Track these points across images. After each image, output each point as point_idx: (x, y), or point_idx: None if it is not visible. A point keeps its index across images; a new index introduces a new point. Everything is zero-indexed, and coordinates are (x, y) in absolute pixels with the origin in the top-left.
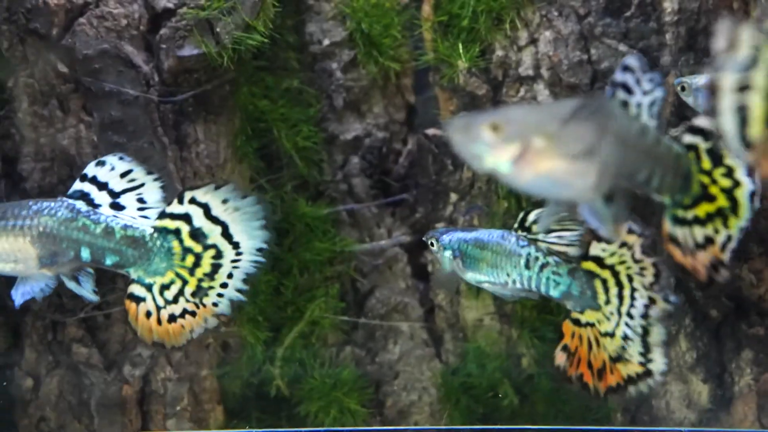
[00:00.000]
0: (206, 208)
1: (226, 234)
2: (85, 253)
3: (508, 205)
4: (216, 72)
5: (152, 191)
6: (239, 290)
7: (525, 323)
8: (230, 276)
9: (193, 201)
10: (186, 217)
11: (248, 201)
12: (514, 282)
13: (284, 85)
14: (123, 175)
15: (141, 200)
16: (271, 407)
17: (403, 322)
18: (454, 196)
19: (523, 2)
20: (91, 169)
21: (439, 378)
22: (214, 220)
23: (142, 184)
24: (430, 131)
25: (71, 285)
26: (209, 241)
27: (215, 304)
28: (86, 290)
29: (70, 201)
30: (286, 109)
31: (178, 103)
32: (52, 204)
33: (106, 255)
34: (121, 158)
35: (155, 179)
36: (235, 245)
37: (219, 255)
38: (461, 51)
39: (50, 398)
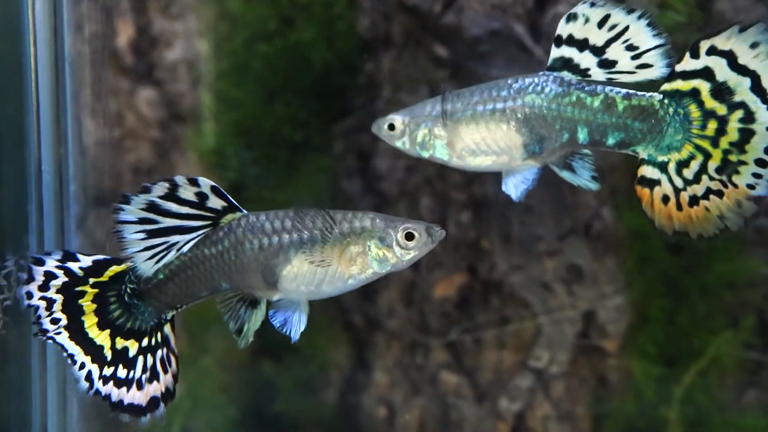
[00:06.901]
0: (731, 57)
1: (757, 88)
2: (582, 134)
3: None
4: None
5: (640, 32)
6: None
7: None
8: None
9: (712, 51)
10: (705, 73)
11: None
12: None
13: None
14: (601, 23)
15: (631, 47)
16: None
17: None
18: None
19: None
20: (562, 29)
21: None
22: (742, 70)
23: (626, 28)
24: None
25: (564, 174)
26: (736, 98)
27: (751, 186)
28: (584, 178)
29: (556, 73)
30: None
31: None
32: (536, 79)
33: (607, 132)
34: (592, 4)
35: (639, 16)
36: None
37: (749, 117)
38: None
39: (408, 431)
